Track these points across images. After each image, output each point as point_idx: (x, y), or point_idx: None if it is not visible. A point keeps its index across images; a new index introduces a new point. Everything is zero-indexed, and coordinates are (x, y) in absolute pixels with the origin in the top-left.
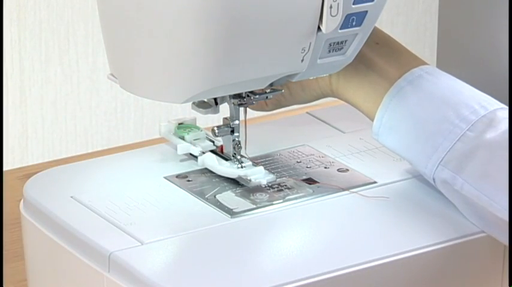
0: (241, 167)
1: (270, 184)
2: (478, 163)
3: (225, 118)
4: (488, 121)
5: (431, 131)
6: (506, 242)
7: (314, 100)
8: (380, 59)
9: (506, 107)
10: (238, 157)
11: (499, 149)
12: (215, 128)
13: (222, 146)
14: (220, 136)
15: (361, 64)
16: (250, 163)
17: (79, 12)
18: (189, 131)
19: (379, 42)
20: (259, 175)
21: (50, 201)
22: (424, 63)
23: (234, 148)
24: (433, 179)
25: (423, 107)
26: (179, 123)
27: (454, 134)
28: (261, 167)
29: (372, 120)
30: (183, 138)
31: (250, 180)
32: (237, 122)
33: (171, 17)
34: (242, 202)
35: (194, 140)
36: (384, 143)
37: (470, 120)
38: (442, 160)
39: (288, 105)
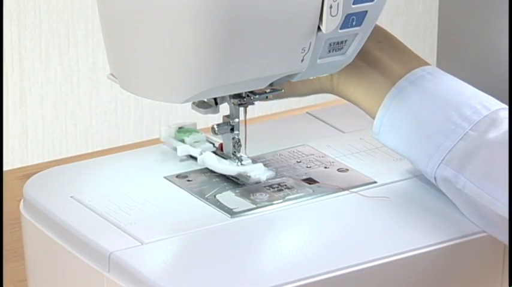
0: (241, 165)
1: (270, 184)
2: (480, 162)
3: (225, 116)
4: (491, 121)
5: (433, 131)
6: (507, 242)
7: (313, 94)
8: (382, 57)
9: (508, 107)
10: (238, 155)
11: (501, 149)
12: (215, 126)
13: (221, 144)
14: (220, 134)
15: (363, 61)
16: (250, 160)
17: (79, 12)
18: (189, 134)
19: (382, 41)
20: (258, 171)
21: (50, 201)
22: (426, 63)
23: (233, 146)
24: (434, 178)
25: (425, 106)
26: (179, 128)
27: (456, 134)
28: (261, 164)
29: (373, 117)
30: (183, 141)
31: (249, 176)
32: (236, 120)
33: (171, 17)
34: (242, 202)
35: (194, 142)
36: (385, 142)
37: (472, 120)
38: (443, 158)
39: (287, 97)
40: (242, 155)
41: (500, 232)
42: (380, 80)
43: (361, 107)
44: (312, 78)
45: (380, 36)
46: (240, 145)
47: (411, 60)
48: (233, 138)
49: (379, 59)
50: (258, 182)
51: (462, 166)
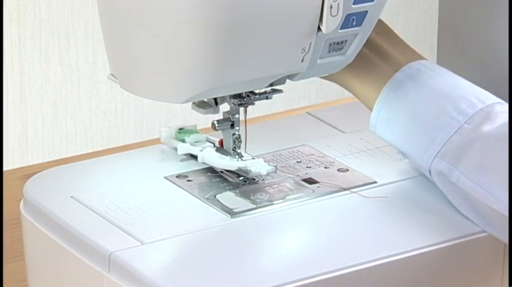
0: (241, 160)
1: (270, 184)
2: (474, 156)
3: (226, 112)
4: (486, 114)
5: (429, 124)
6: (502, 237)
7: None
8: (383, 45)
9: (504, 102)
10: (238, 151)
11: (496, 142)
12: (215, 122)
13: (221, 140)
14: (220, 130)
15: (364, 47)
16: (250, 156)
17: (79, 12)
18: (189, 134)
19: (380, 32)
20: (259, 166)
21: (50, 201)
22: (422, 57)
23: (234, 142)
24: (429, 171)
25: (421, 100)
26: (180, 129)
27: (451, 127)
28: (261, 159)
29: (367, 106)
30: (183, 141)
31: (250, 171)
32: (237, 116)
33: (171, 17)
34: (242, 202)
35: (194, 142)
36: (381, 135)
37: (467, 113)
38: (438, 151)
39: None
40: (242, 151)
41: (494, 226)
42: (381, 66)
43: (358, 94)
44: None
45: (378, 27)
46: (240, 141)
47: (409, 52)
48: (233, 134)
49: (380, 46)
50: (258, 177)
51: (456, 160)
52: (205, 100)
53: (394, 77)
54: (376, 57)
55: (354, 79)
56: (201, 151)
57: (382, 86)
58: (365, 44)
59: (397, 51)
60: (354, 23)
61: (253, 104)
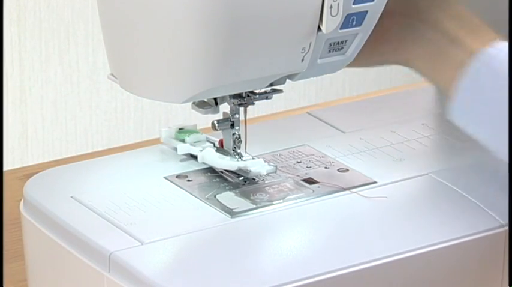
0: (241, 160)
1: (270, 184)
2: None
3: (225, 112)
4: None
5: (507, 116)
6: None
7: (381, 65)
8: (454, 29)
9: None
10: (238, 151)
11: None
12: (215, 122)
13: (221, 140)
14: (220, 130)
15: (442, 37)
16: (250, 157)
17: (79, 12)
18: (189, 135)
19: (455, 15)
20: (259, 166)
21: (50, 201)
22: (497, 36)
23: (234, 142)
24: None
25: (499, 91)
26: (180, 129)
27: None
28: (261, 159)
29: (442, 92)
30: (183, 141)
31: (250, 170)
32: (237, 116)
33: (171, 17)
34: (242, 202)
35: (194, 142)
36: (464, 128)
37: None
38: None
39: (354, 67)
40: (242, 151)
41: None
42: (454, 52)
43: (432, 81)
44: (386, 50)
45: (452, 10)
46: (240, 141)
47: (485, 35)
48: (233, 134)
49: (450, 31)
50: (258, 177)
51: None
52: (205, 100)
53: (471, 66)
54: (448, 43)
55: (427, 66)
56: (201, 151)
57: (456, 74)
58: (437, 28)
59: (471, 34)
60: (354, 23)
61: (253, 104)
